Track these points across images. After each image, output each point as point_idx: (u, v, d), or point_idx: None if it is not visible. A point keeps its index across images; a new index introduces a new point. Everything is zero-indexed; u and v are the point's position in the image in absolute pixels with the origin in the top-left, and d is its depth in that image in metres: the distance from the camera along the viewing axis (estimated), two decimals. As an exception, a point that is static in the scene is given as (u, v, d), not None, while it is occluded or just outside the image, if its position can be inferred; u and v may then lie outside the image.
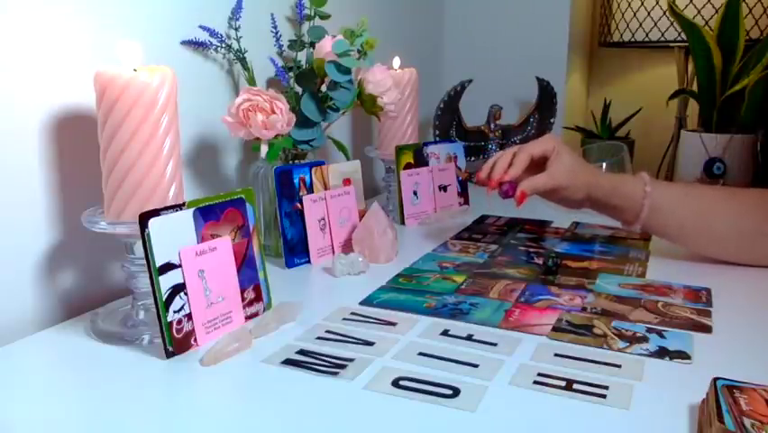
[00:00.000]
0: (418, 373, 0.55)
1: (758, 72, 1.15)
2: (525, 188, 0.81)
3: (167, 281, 0.58)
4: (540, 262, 0.86)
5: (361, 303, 0.72)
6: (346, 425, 0.49)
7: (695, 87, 1.36)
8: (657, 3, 1.49)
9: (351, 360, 0.58)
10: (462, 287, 0.77)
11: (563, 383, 0.54)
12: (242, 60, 0.91)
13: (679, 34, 1.47)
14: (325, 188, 0.88)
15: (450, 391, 0.52)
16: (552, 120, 1.51)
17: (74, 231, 0.71)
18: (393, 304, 0.71)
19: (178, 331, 0.59)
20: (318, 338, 0.63)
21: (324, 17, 0.97)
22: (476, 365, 0.57)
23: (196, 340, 0.60)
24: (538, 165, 0.84)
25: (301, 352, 0.60)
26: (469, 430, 0.48)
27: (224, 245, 0.64)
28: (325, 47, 0.86)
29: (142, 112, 0.59)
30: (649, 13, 1.51)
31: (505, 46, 1.62)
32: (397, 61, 1.12)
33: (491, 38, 1.64)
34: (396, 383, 0.54)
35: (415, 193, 1.07)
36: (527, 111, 1.51)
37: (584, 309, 0.70)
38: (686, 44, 1.44)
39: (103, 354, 0.60)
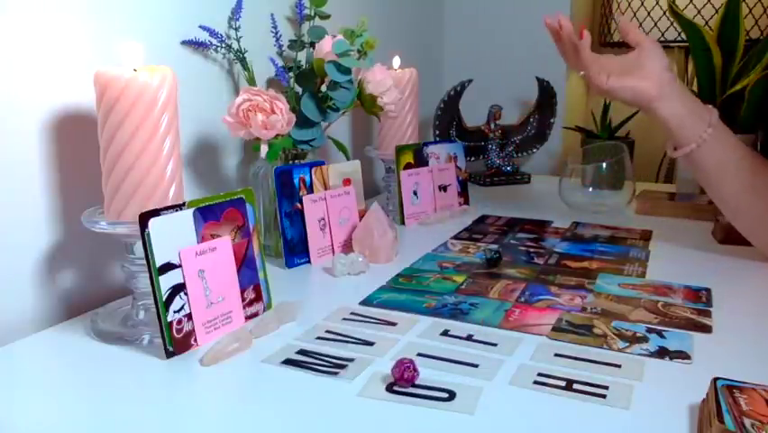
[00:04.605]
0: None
1: (758, 72, 1.15)
2: (613, 80, 0.81)
3: (167, 281, 0.58)
4: (541, 261, 0.86)
5: (361, 303, 0.72)
6: (347, 425, 0.49)
7: (695, 87, 1.36)
8: (657, 3, 1.49)
9: (351, 360, 0.58)
10: (462, 287, 0.77)
11: (563, 383, 0.54)
12: (242, 60, 0.91)
13: (679, 34, 1.47)
14: (325, 188, 0.88)
15: (449, 394, 0.52)
16: (552, 120, 1.51)
17: (74, 231, 0.71)
18: (393, 304, 0.71)
19: (178, 331, 0.59)
20: (318, 338, 0.63)
21: (324, 17, 0.97)
22: (476, 365, 0.57)
23: (196, 340, 0.60)
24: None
25: (301, 352, 0.60)
26: (469, 430, 0.48)
27: (223, 245, 0.64)
28: (325, 47, 0.86)
29: (142, 112, 0.59)
30: (649, 14, 1.51)
31: (505, 46, 1.62)
32: (397, 61, 1.12)
33: (491, 38, 1.64)
34: (394, 385, 0.54)
35: (415, 193, 1.07)
36: (527, 111, 1.51)
37: (584, 309, 0.70)
38: (686, 44, 1.44)
39: (103, 354, 0.60)
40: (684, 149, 0.82)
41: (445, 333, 0.64)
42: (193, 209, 0.61)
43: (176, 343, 0.59)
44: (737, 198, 0.83)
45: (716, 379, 0.49)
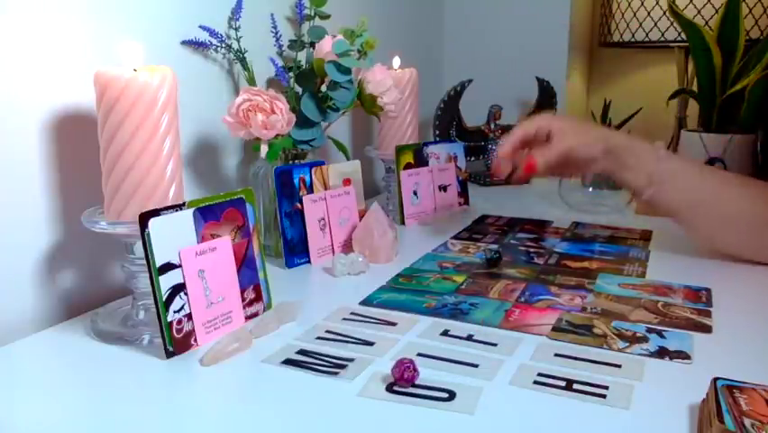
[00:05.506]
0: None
1: (758, 72, 1.15)
2: (537, 156, 0.80)
3: (167, 281, 0.58)
4: (541, 261, 0.86)
5: (361, 303, 0.72)
6: (347, 425, 0.49)
7: (695, 87, 1.36)
8: (657, 3, 1.49)
9: (351, 360, 0.58)
10: (462, 287, 0.77)
11: (563, 383, 0.54)
12: (242, 60, 0.91)
13: (679, 34, 1.47)
14: (325, 188, 0.88)
15: (449, 394, 0.52)
16: (552, 120, 1.51)
17: (74, 231, 0.71)
18: (393, 304, 0.71)
19: (178, 331, 0.59)
20: (318, 338, 0.63)
21: (324, 17, 0.97)
22: (476, 365, 0.57)
23: (196, 340, 0.60)
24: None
25: (301, 352, 0.60)
26: (469, 430, 0.48)
27: (223, 245, 0.64)
28: (325, 47, 0.86)
29: (142, 112, 0.59)
30: (649, 14, 1.51)
31: (505, 46, 1.62)
32: (397, 61, 1.12)
33: (491, 38, 1.64)
34: (394, 385, 0.54)
35: (415, 193, 1.07)
36: (527, 111, 1.51)
37: (584, 309, 0.70)
38: (686, 44, 1.44)
39: (103, 354, 0.60)
40: (641, 197, 0.84)
41: (445, 333, 0.64)
42: (193, 209, 0.61)
43: (176, 343, 0.59)
44: (709, 229, 0.84)
45: (716, 379, 0.49)
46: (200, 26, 0.87)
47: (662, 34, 1.50)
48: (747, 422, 0.44)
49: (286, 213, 0.83)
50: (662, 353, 0.59)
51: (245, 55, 0.91)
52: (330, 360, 0.58)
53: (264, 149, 0.82)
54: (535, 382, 0.54)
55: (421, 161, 1.09)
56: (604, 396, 0.52)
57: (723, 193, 0.82)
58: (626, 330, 0.64)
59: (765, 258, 0.83)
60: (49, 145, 0.69)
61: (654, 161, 0.81)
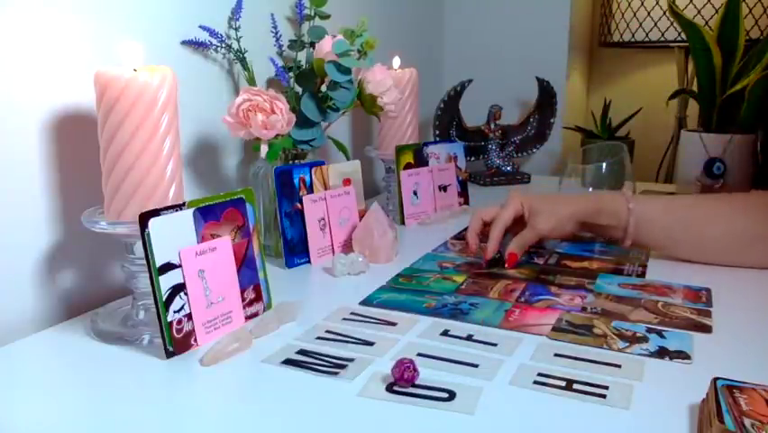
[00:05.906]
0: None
1: (758, 72, 1.15)
2: (514, 249, 0.84)
3: (167, 281, 0.58)
4: (541, 261, 0.86)
5: (361, 303, 0.72)
6: (347, 425, 0.49)
7: (695, 87, 1.36)
8: (657, 3, 1.49)
9: (351, 360, 0.58)
10: (462, 287, 0.77)
11: (563, 383, 0.54)
12: (242, 60, 0.91)
13: (679, 34, 1.47)
14: (325, 188, 0.88)
15: (449, 394, 0.52)
16: (552, 120, 1.51)
17: (74, 231, 0.71)
18: (393, 304, 0.71)
19: (178, 331, 0.59)
20: (318, 338, 0.63)
21: (324, 17, 0.97)
22: (476, 365, 0.57)
23: (196, 340, 0.60)
24: (517, 220, 0.86)
25: (301, 352, 0.60)
26: (469, 430, 0.48)
27: (223, 245, 0.64)
28: (325, 47, 0.86)
29: (142, 112, 0.59)
30: (649, 14, 1.51)
31: (505, 46, 1.62)
32: (397, 61, 1.12)
33: (491, 38, 1.64)
34: (394, 385, 0.54)
35: (415, 193, 1.07)
36: (527, 111, 1.51)
37: (584, 309, 0.70)
38: (686, 44, 1.45)
39: (103, 354, 0.60)
40: (623, 246, 0.87)
41: (445, 333, 0.64)
42: (193, 209, 0.61)
43: (176, 343, 0.59)
44: (702, 255, 0.85)
45: (716, 379, 0.49)
46: (200, 26, 0.87)
47: (662, 34, 1.50)
48: (747, 422, 0.44)
49: (286, 213, 0.83)
50: (662, 353, 0.59)
51: (245, 55, 0.91)
52: (330, 360, 0.58)
53: (264, 149, 0.82)
54: (535, 382, 0.54)
55: (421, 161, 1.09)
56: (604, 396, 0.52)
57: (698, 220, 0.84)
58: (626, 330, 0.64)
59: (759, 265, 0.83)
60: (49, 145, 0.69)
61: (625, 212, 0.84)
